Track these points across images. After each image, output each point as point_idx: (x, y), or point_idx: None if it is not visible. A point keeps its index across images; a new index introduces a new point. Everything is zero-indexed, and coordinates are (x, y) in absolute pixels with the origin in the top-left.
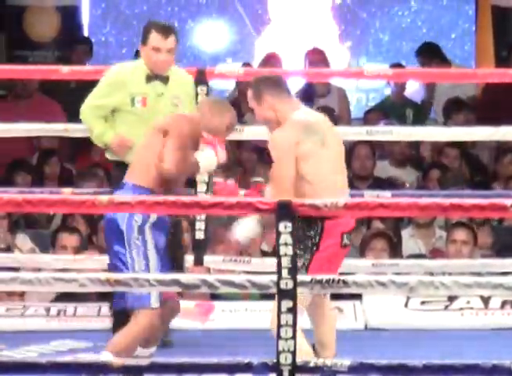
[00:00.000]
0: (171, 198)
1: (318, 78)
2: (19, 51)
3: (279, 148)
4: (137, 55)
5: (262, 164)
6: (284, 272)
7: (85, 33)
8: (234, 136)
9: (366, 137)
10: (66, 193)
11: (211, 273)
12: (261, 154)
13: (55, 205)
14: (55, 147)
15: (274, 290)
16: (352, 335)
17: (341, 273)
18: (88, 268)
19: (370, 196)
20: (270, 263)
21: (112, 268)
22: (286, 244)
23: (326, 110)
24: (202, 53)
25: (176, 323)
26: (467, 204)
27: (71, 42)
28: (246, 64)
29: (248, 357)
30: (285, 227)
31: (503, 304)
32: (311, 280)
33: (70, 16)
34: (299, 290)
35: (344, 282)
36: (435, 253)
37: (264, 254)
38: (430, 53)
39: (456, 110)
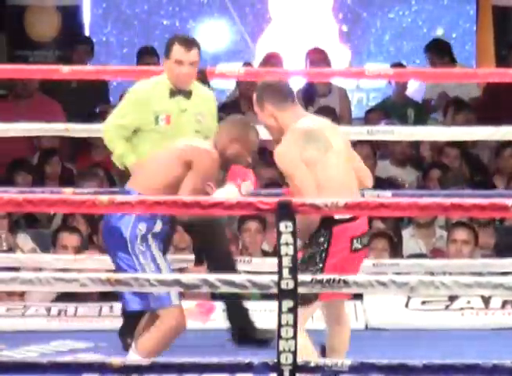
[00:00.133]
0: (171, 198)
1: (319, 78)
2: (20, 51)
3: (286, 164)
4: (138, 55)
5: (263, 163)
6: (285, 272)
7: (86, 33)
8: None
9: (367, 137)
10: (67, 192)
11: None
12: (262, 154)
13: (56, 205)
14: (56, 147)
15: (275, 290)
16: (353, 335)
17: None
18: (89, 268)
19: (371, 195)
20: (271, 263)
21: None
22: (286, 244)
23: (327, 110)
24: (203, 53)
25: None
26: (468, 204)
27: (72, 42)
28: (247, 64)
29: (249, 357)
30: (286, 227)
31: (504, 304)
32: (312, 279)
33: (70, 15)
34: (300, 290)
35: (345, 282)
36: (436, 253)
37: (264, 253)
38: (439, 50)
39: (456, 110)
